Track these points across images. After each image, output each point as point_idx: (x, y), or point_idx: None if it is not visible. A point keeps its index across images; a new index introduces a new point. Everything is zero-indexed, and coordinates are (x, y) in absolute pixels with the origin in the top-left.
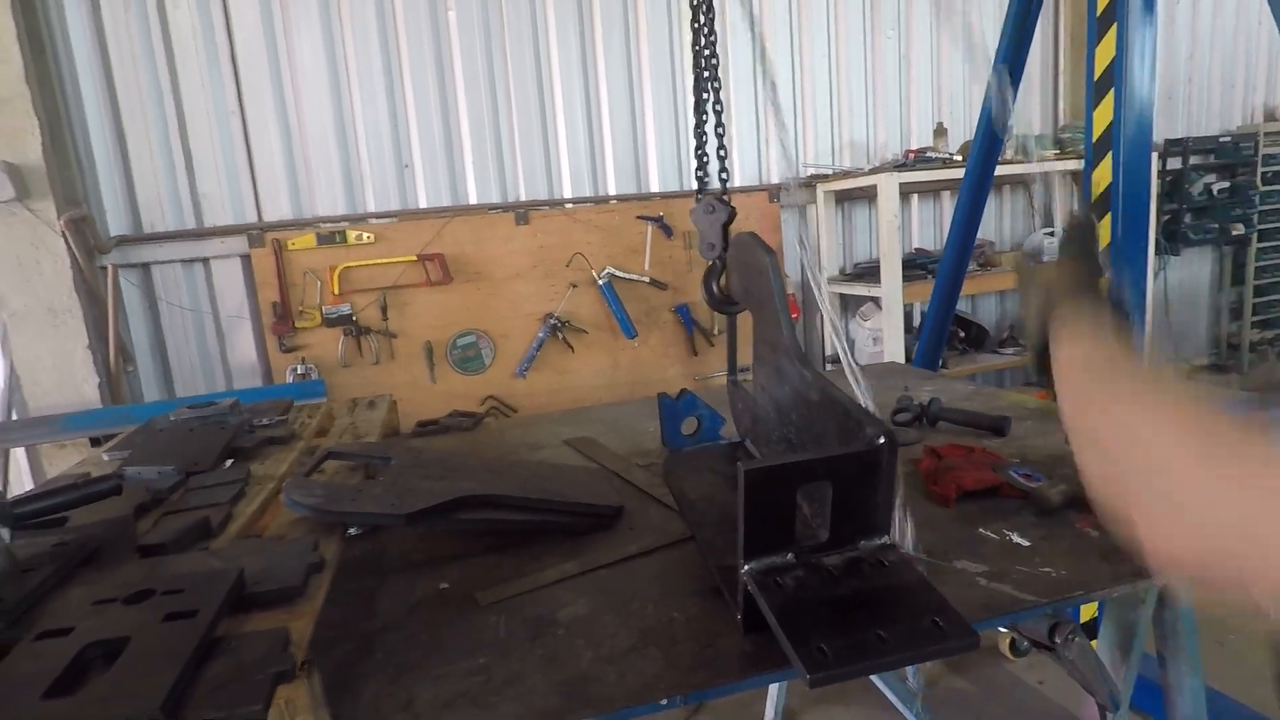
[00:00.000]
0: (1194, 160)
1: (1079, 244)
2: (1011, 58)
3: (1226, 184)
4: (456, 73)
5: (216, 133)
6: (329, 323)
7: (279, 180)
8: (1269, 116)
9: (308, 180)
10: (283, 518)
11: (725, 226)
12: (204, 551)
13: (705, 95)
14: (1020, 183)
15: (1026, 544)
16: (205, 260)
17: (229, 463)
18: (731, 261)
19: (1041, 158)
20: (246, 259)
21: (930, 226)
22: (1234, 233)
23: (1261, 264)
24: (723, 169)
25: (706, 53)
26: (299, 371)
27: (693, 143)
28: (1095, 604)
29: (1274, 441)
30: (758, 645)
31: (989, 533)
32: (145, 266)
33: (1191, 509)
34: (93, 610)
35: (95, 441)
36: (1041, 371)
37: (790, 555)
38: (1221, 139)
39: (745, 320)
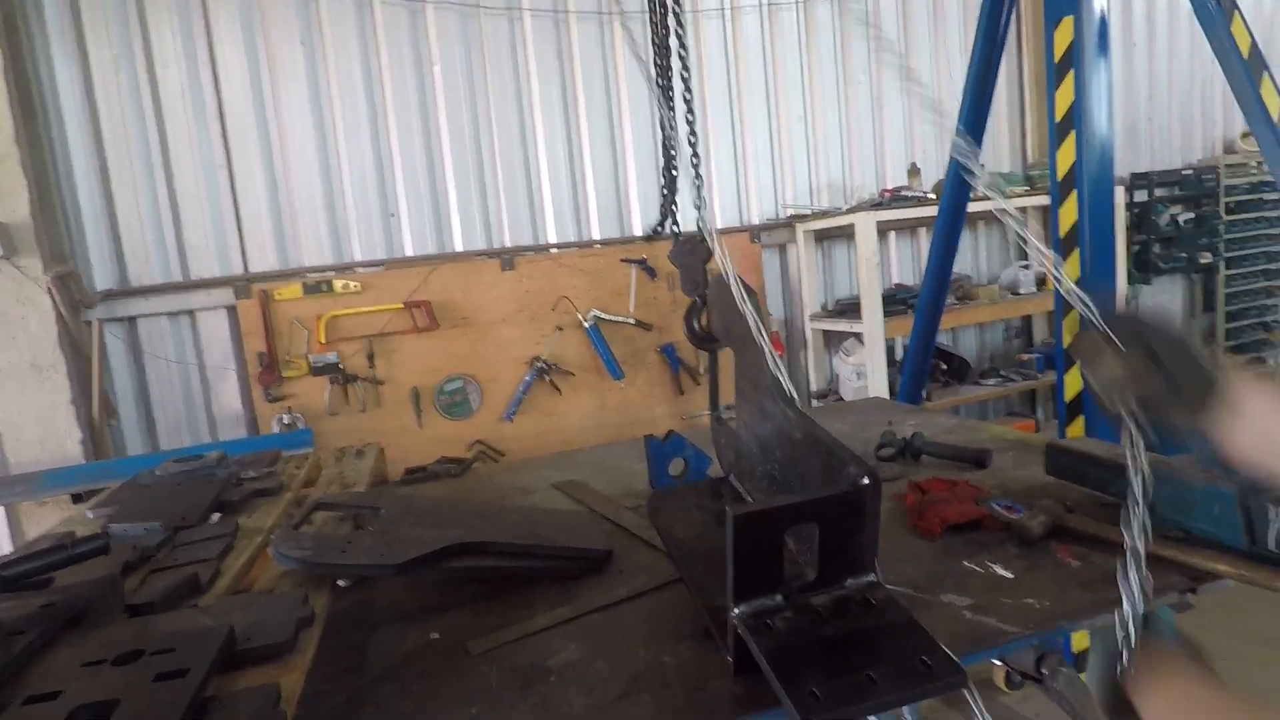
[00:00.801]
0: (1159, 192)
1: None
2: (978, 98)
3: (1192, 215)
4: (441, 122)
5: (204, 186)
6: (316, 371)
7: (265, 232)
8: (1228, 149)
9: (294, 231)
10: (272, 571)
11: (704, 264)
12: (193, 609)
13: (672, 129)
14: (996, 219)
15: (1010, 576)
16: (191, 312)
17: (216, 516)
18: (712, 299)
19: (1011, 195)
20: (232, 310)
21: (909, 262)
22: (1202, 261)
23: (1230, 290)
24: (700, 207)
25: (680, 88)
26: (285, 421)
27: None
28: (1087, 633)
29: None
30: (748, 687)
31: (973, 565)
32: (131, 320)
33: None
34: (81, 672)
35: (77, 498)
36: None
37: (779, 596)
38: (1184, 171)
39: (727, 356)
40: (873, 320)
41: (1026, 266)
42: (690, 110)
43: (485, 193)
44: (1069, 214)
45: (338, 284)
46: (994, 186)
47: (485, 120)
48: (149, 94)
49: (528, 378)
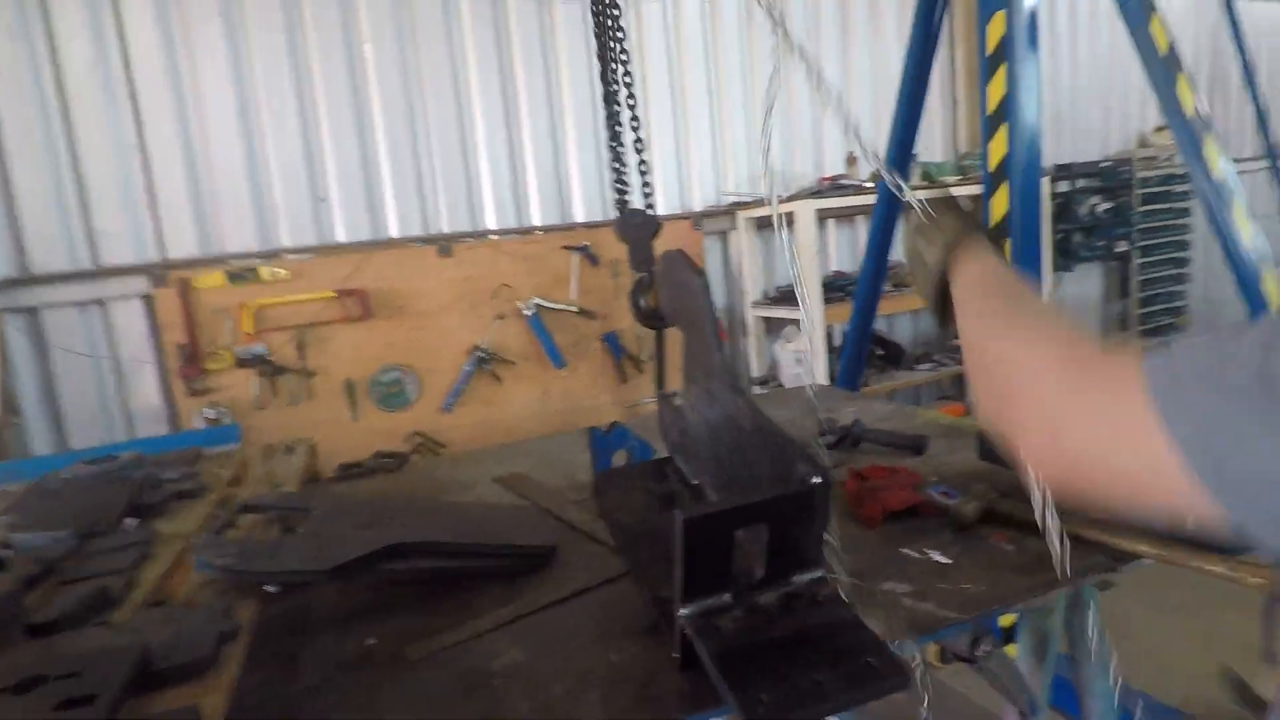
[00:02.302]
0: (1080, 183)
1: (950, 208)
2: (912, 90)
3: (1110, 205)
4: (373, 103)
5: (114, 168)
6: (242, 363)
7: (184, 216)
8: (1141, 143)
9: (215, 216)
10: (194, 580)
11: (652, 240)
12: (102, 626)
13: (617, 108)
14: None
15: (947, 561)
16: (102, 302)
17: (132, 522)
18: (660, 277)
19: (945, 184)
20: (149, 299)
21: (847, 250)
22: (1117, 249)
23: (1143, 278)
24: (645, 182)
25: (619, 68)
26: (210, 416)
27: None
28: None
29: (1135, 366)
30: (696, 683)
31: (912, 552)
32: (33, 310)
33: (1059, 431)
34: None
35: None
36: (941, 313)
37: (727, 595)
38: (1102, 164)
39: (673, 334)
40: (812, 307)
41: None
42: (631, 95)
43: (421, 177)
44: (1000, 204)
45: (264, 271)
46: (912, 202)
47: (420, 101)
48: (49, 68)
49: (467, 367)
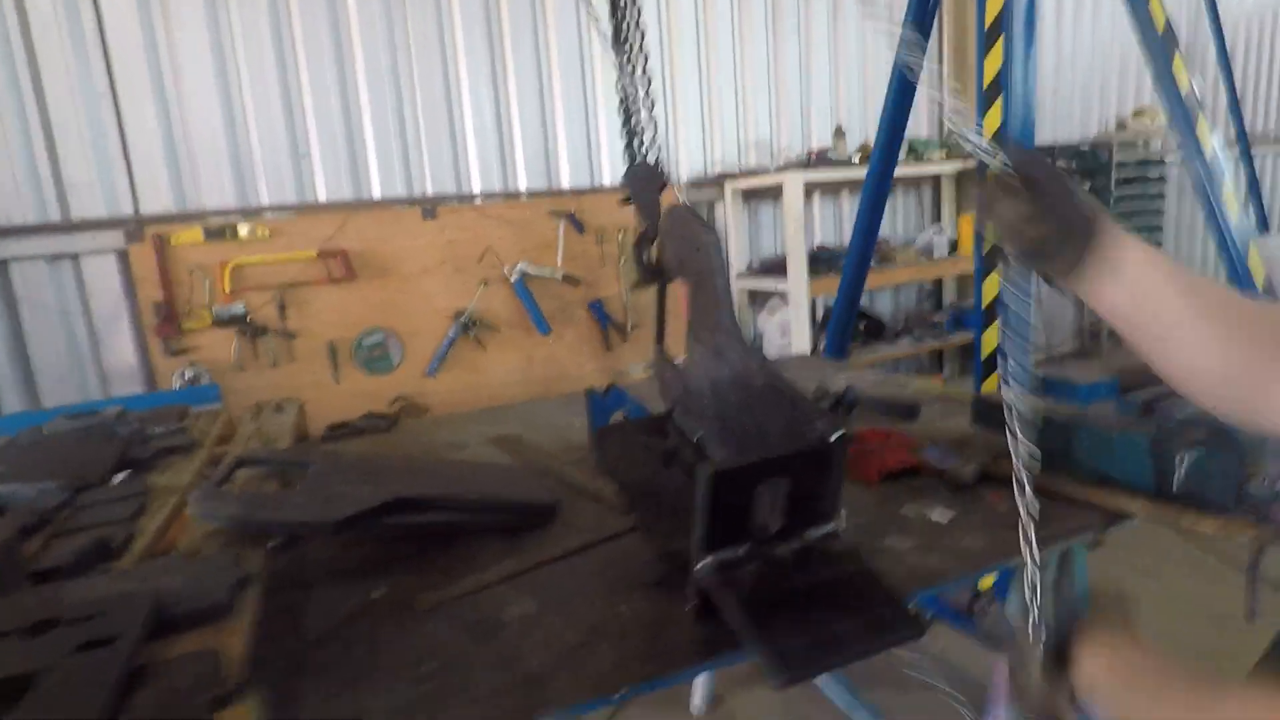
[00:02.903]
0: (1060, 165)
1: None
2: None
3: (1088, 186)
4: (356, 57)
5: (84, 117)
6: (220, 323)
7: (158, 169)
8: (1120, 126)
9: (191, 169)
10: (192, 532)
11: (659, 194)
12: (108, 574)
13: (629, 62)
14: (913, 184)
15: (945, 520)
16: (74, 256)
17: (121, 476)
18: (665, 233)
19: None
20: (123, 255)
21: (831, 223)
22: None
23: None
24: (655, 136)
25: (632, 21)
26: (188, 376)
27: (607, 131)
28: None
29: None
30: (708, 632)
31: (911, 511)
32: (2, 264)
33: None
34: None
35: None
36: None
37: (744, 548)
38: (1082, 146)
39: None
40: (798, 279)
41: (940, 231)
42: (645, 55)
43: (405, 136)
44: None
45: (243, 229)
46: (934, 82)
47: (405, 58)
48: (13, 10)
49: (451, 333)
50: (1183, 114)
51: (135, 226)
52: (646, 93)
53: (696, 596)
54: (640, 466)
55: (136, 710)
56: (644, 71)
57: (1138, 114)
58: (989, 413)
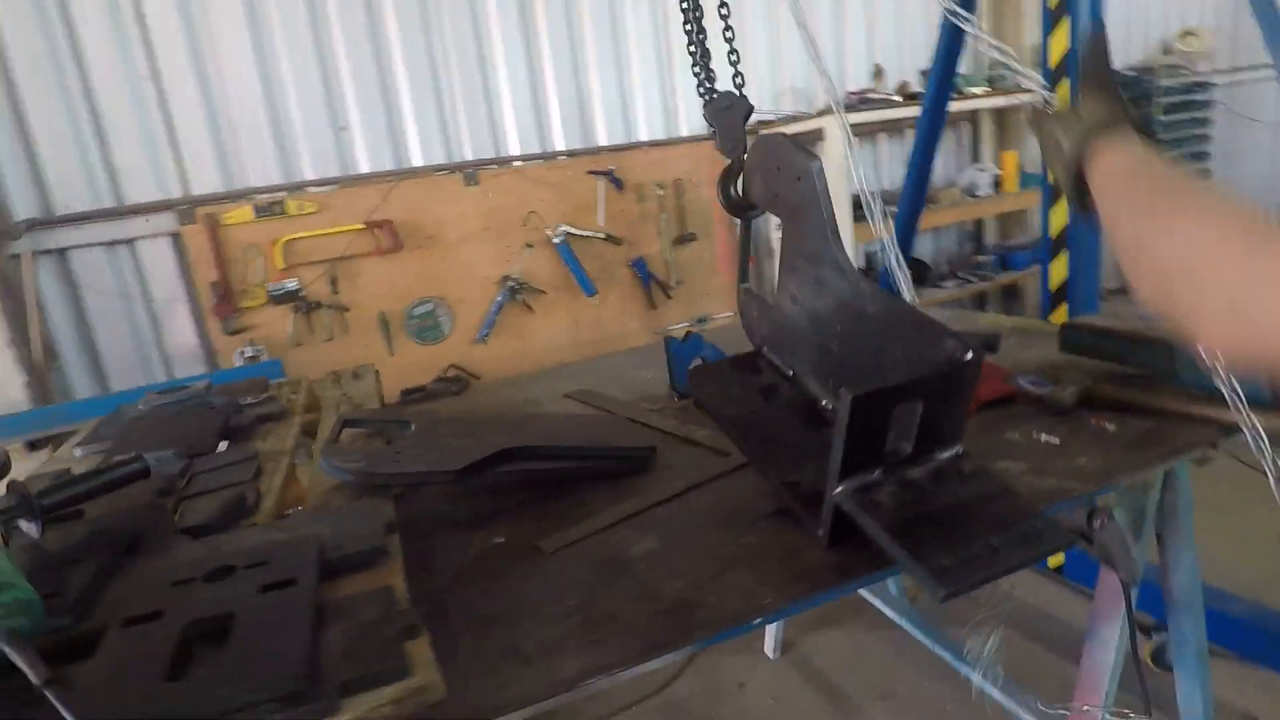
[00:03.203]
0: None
1: (1097, 70)
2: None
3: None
4: (389, 29)
5: (129, 100)
6: (275, 300)
7: (204, 150)
8: (1165, 50)
9: (235, 149)
10: (319, 488)
11: (744, 122)
12: (253, 528)
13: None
14: (952, 121)
15: (1056, 441)
16: (130, 241)
17: (224, 444)
18: (752, 163)
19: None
20: (177, 237)
21: (869, 168)
22: None
23: None
24: (736, 68)
25: None
26: (248, 354)
27: (641, 86)
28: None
29: None
30: (843, 557)
31: (1017, 436)
32: (62, 252)
33: (1246, 303)
34: (174, 592)
35: (33, 446)
36: (1080, 198)
37: (878, 472)
38: (1127, 73)
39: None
40: (843, 225)
41: (983, 169)
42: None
43: (442, 103)
44: (1060, 100)
45: (291, 205)
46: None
47: (437, 22)
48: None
49: (499, 298)
50: (1274, 24)
51: (187, 208)
52: (727, 25)
53: (829, 522)
54: (740, 403)
55: (331, 642)
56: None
57: (1185, 35)
58: (1078, 339)
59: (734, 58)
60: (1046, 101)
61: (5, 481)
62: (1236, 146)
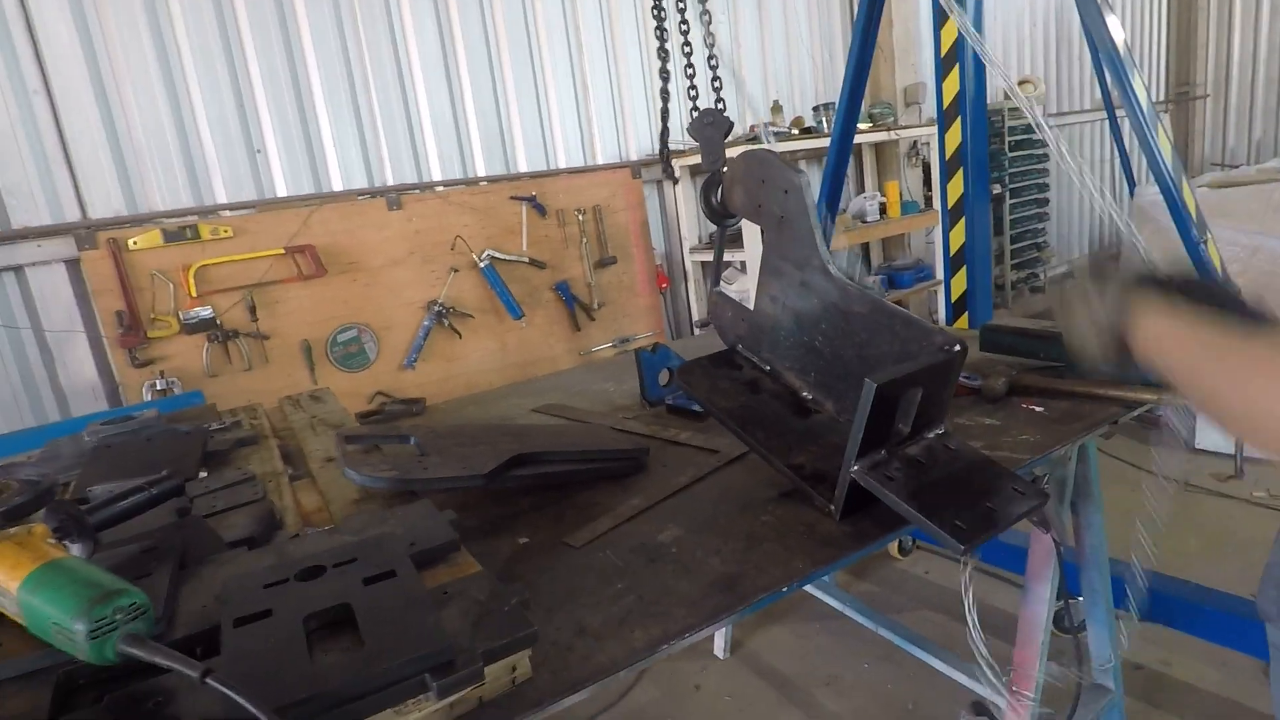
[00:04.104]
0: None
1: (1104, 271)
2: (860, 53)
3: (991, 149)
4: (306, 47)
5: (17, 117)
6: (189, 329)
7: (105, 171)
8: (1007, 95)
9: (139, 170)
10: (343, 499)
11: (725, 137)
12: (302, 538)
13: (665, 33)
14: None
15: (997, 423)
16: (18, 268)
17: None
18: (734, 175)
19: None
20: (74, 263)
21: None
22: (993, 192)
23: (1013, 217)
24: (718, 93)
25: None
26: (159, 387)
27: (559, 114)
28: None
29: None
30: (853, 527)
31: (965, 420)
32: None
33: None
34: (270, 593)
35: None
36: (1123, 363)
37: (884, 451)
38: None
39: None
40: (754, 248)
41: (870, 198)
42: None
43: (362, 127)
44: (954, 138)
45: (205, 229)
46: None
47: (356, 45)
48: None
49: (426, 322)
50: (1120, 71)
51: (86, 232)
52: (710, 50)
53: (841, 498)
54: (731, 396)
55: (453, 619)
56: (709, 30)
57: (1023, 83)
58: (997, 338)
59: (717, 83)
60: (1070, 274)
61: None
62: (1070, 182)
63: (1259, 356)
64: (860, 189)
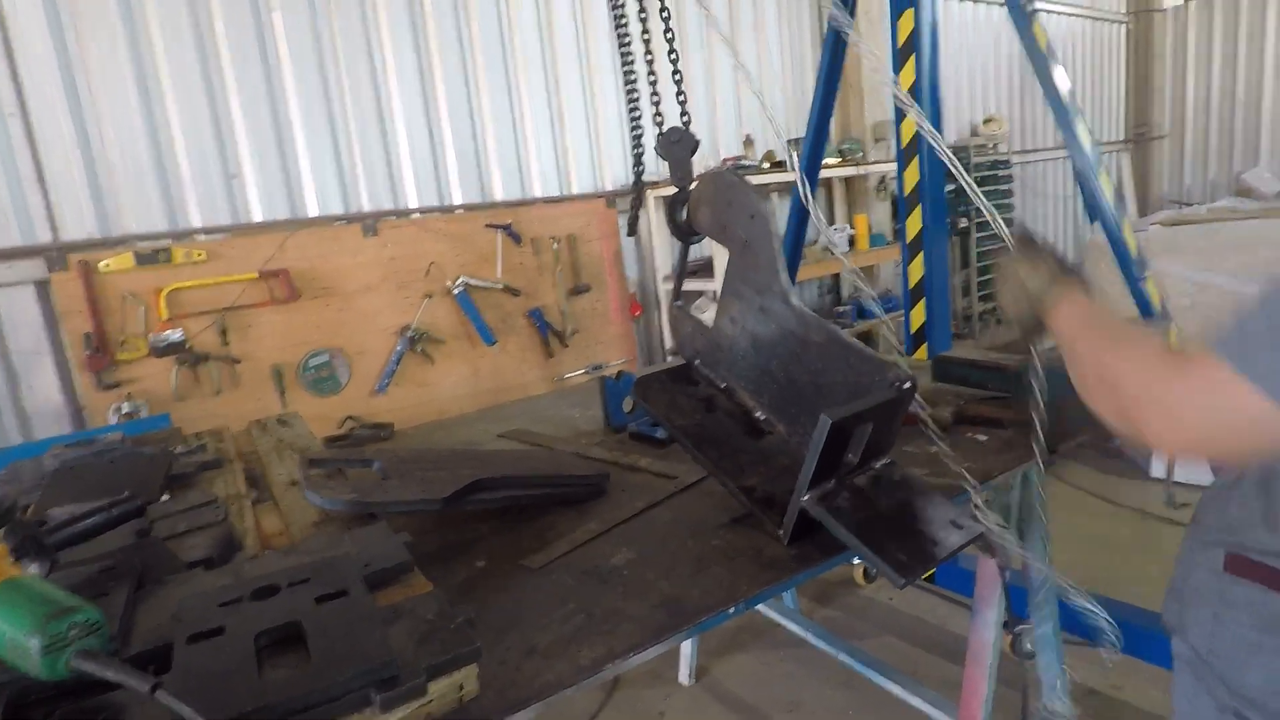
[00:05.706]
0: None
1: (1035, 249)
2: (824, 96)
3: (953, 186)
4: (285, 74)
5: None
6: (158, 352)
7: (79, 193)
8: (973, 132)
9: (114, 192)
10: (301, 521)
11: (690, 155)
12: (259, 559)
13: (647, 53)
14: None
15: (945, 451)
16: None
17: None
18: (701, 195)
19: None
20: (43, 285)
21: None
22: (960, 225)
23: (980, 250)
24: (684, 112)
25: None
26: (125, 410)
27: (534, 144)
28: None
29: (1210, 353)
30: (799, 550)
31: (912, 449)
32: None
33: (1179, 418)
34: (224, 611)
35: None
36: (1034, 330)
37: (833, 481)
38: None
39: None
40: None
41: (840, 230)
42: (670, 29)
43: (339, 153)
44: (913, 175)
45: (179, 253)
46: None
47: (335, 72)
48: None
49: (399, 348)
50: (1066, 117)
51: (56, 254)
52: (676, 69)
53: (790, 524)
54: (687, 413)
55: (400, 637)
56: (673, 51)
57: (988, 121)
58: (949, 369)
59: (681, 99)
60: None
61: None
62: (1033, 215)
63: (1127, 339)
64: (831, 221)
